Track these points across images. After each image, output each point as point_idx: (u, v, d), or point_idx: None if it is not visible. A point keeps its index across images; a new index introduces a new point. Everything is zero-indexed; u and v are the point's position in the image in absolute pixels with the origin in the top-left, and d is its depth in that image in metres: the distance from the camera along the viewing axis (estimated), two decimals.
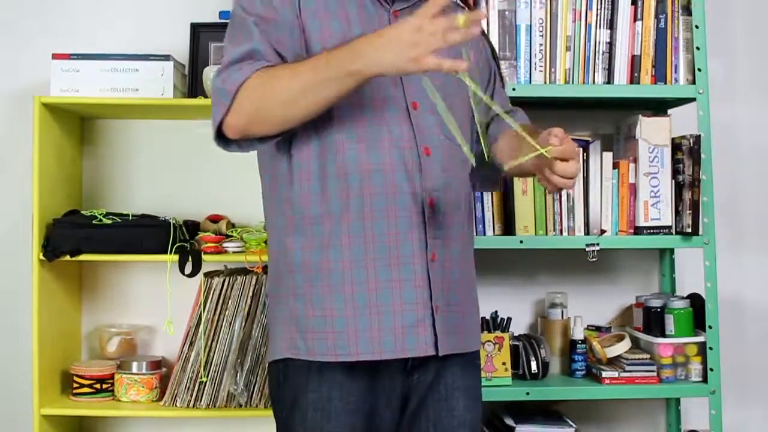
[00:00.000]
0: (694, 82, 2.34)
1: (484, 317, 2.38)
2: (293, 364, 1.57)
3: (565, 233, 2.34)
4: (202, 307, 2.33)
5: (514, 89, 2.26)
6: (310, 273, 1.56)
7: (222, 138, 1.54)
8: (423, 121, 1.59)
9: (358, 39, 1.42)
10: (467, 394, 1.65)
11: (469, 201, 1.71)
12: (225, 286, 2.34)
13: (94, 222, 2.33)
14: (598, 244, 2.30)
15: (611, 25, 2.36)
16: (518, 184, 2.32)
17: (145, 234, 2.33)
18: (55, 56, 2.36)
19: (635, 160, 2.36)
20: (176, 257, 2.30)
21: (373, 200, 1.54)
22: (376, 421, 1.58)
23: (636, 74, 2.35)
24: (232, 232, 2.43)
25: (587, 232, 2.35)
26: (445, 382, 1.63)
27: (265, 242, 2.35)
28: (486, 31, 1.85)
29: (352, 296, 1.53)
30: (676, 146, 2.36)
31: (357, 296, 1.53)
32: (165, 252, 2.31)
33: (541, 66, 2.34)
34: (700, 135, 2.31)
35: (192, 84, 2.48)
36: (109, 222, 2.33)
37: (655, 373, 2.33)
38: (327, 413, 1.54)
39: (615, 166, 2.37)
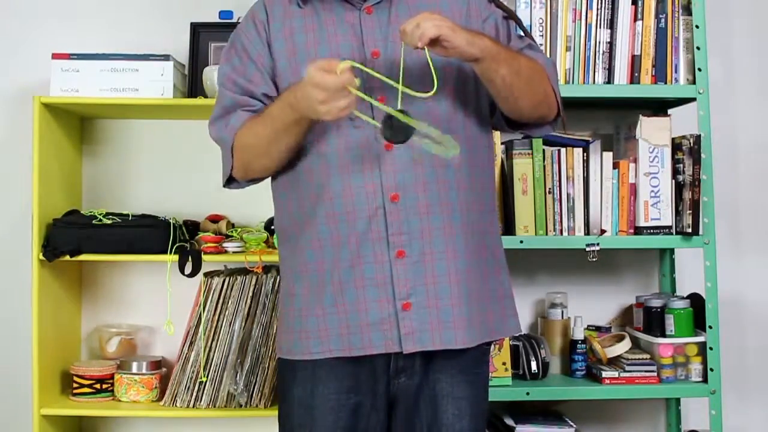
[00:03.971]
0: (694, 82, 2.34)
1: None
2: (283, 362, 1.67)
3: (565, 233, 2.34)
4: (202, 307, 2.33)
5: None
6: (294, 275, 1.65)
7: (230, 181, 1.71)
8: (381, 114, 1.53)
9: (287, 93, 1.54)
10: (457, 403, 1.63)
11: (465, 191, 1.62)
12: (225, 286, 2.34)
13: (94, 222, 2.33)
14: (598, 244, 2.30)
15: (611, 25, 2.36)
16: (518, 184, 2.32)
17: (145, 234, 2.33)
18: (55, 56, 2.36)
19: (635, 160, 2.36)
20: (176, 257, 2.30)
21: (334, 203, 1.58)
22: (362, 423, 1.61)
23: (636, 74, 2.35)
24: (232, 232, 2.43)
25: (587, 232, 2.35)
26: (434, 387, 1.62)
27: (265, 241, 2.38)
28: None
29: (322, 297, 1.59)
30: (676, 146, 2.36)
31: (326, 296, 1.59)
32: (165, 252, 2.31)
33: None
34: (700, 135, 2.31)
35: (192, 84, 2.48)
36: (109, 222, 2.33)
37: (655, 373, 2.33)
38: (310, 409, 1.60)
39: (615, 166, 2.36)
